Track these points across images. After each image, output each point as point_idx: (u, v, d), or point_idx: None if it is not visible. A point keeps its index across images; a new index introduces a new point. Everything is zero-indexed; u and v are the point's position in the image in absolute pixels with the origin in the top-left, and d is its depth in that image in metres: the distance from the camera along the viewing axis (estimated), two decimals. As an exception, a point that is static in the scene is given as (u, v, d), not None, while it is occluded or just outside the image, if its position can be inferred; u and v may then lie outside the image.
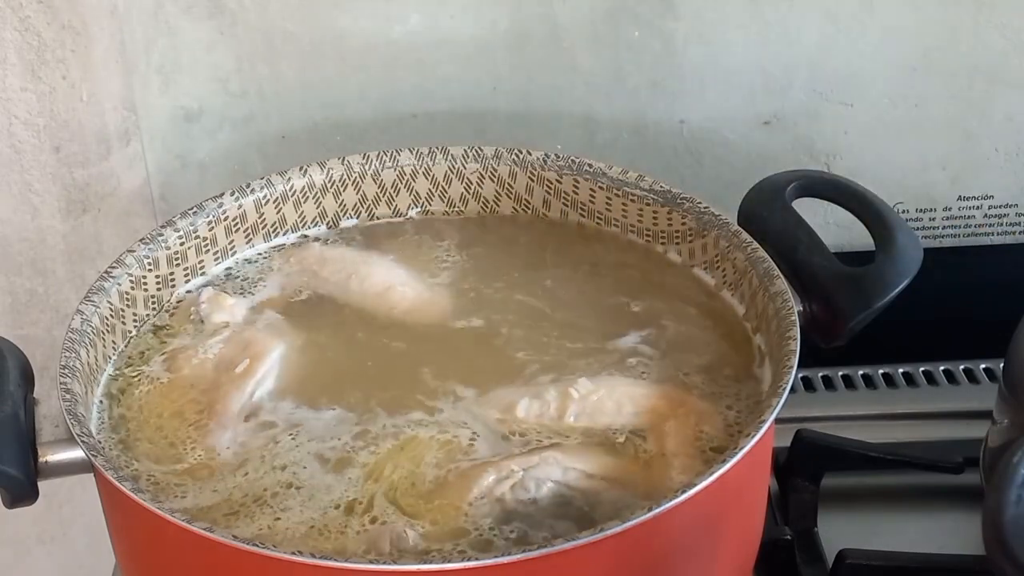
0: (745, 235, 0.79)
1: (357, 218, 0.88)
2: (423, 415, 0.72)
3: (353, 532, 0.66)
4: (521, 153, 0.87)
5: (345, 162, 0.87)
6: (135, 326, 0.79)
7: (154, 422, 0.73)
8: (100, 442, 0.69)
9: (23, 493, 0.66)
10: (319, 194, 0.86)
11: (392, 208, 0.89)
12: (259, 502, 0.68)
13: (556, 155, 0.87)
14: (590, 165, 0.86)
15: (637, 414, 0.72)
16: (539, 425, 0.72)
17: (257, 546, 0.60)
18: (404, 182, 0.88)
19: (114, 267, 0.78)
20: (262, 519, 0.67)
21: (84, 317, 0.74)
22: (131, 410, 0.74)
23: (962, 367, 1.01)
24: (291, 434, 0.72)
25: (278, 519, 0.66)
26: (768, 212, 0.82)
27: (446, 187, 0.88)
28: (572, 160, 0.86)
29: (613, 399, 0.72)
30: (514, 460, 0.68)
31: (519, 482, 0.67)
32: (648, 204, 0.84)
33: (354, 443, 0.71)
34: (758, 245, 0.78)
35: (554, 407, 0.72)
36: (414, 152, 0.88)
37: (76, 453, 0.66)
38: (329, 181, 0.86)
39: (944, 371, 1.01)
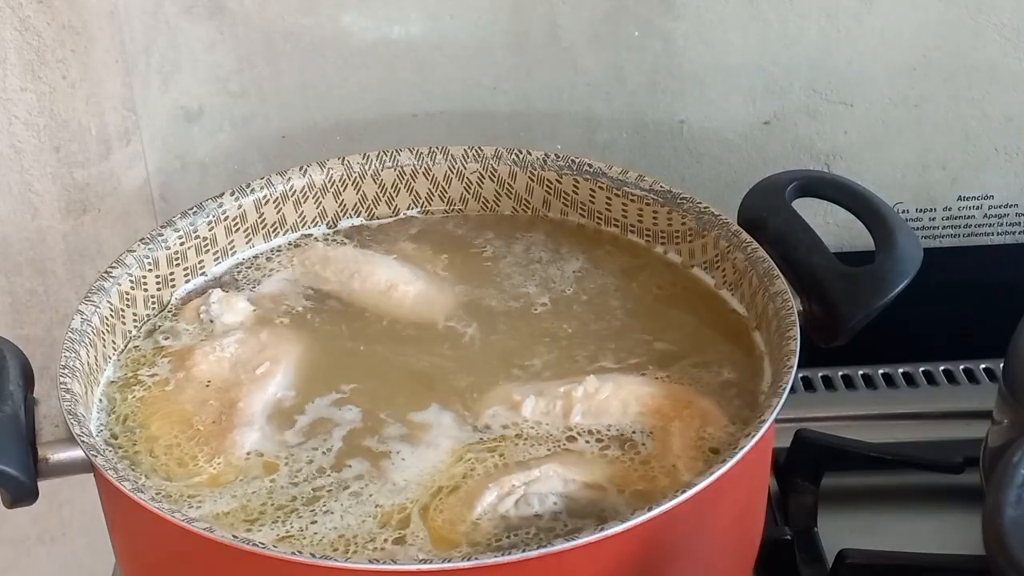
0: (745, 235, 0.79)
1: (357, 218, 0.88)
2: (431, 416, 0.72)
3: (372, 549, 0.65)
4: (521, 153, 0.87)
5: (345, 162, 0.87)
6: (135, 326, 0.79)
7: (151, 430, 0.72)
8: (100, 442, 0.69)
9: (23, 493, 0.66)
10: (319, 194, 0.86)
11: (392, 208, 0.89)
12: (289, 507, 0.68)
13: (556, 155, 0.87)
14: (590, 165, 0.86)
15: (642, 414, 0.72)
16: (544, 423, 0.72)
17: (256, 546, 0.60)
18: (404, 182, 0.88)
19: (114, 267, 0.78)
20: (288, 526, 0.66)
21: (84, 317, 0.74)
22: (125, 417, 0.73)
23: (962, 367, 1.01)
24: (306, 436, 0.72)
25: (314, 522, 0.66)
26: (768, 212, 0.82)
27: (446, 187, 0.88)
28: (572, 160, 0.86)
29: (619, 398, 0.72)
30: (514, 475, 0.68)
31: (522, 498, 0.67)
32: (648, 204, 0.84)
33: (363, 449, 0.71)
34: (758, 245, 0.78)
35: (560, 405, 0.72)
36: (414, 152, 0.88)
37: (76, 453, 0.66)
38: (329, 181, 0.86)
39: (944, 371, 1.00)
